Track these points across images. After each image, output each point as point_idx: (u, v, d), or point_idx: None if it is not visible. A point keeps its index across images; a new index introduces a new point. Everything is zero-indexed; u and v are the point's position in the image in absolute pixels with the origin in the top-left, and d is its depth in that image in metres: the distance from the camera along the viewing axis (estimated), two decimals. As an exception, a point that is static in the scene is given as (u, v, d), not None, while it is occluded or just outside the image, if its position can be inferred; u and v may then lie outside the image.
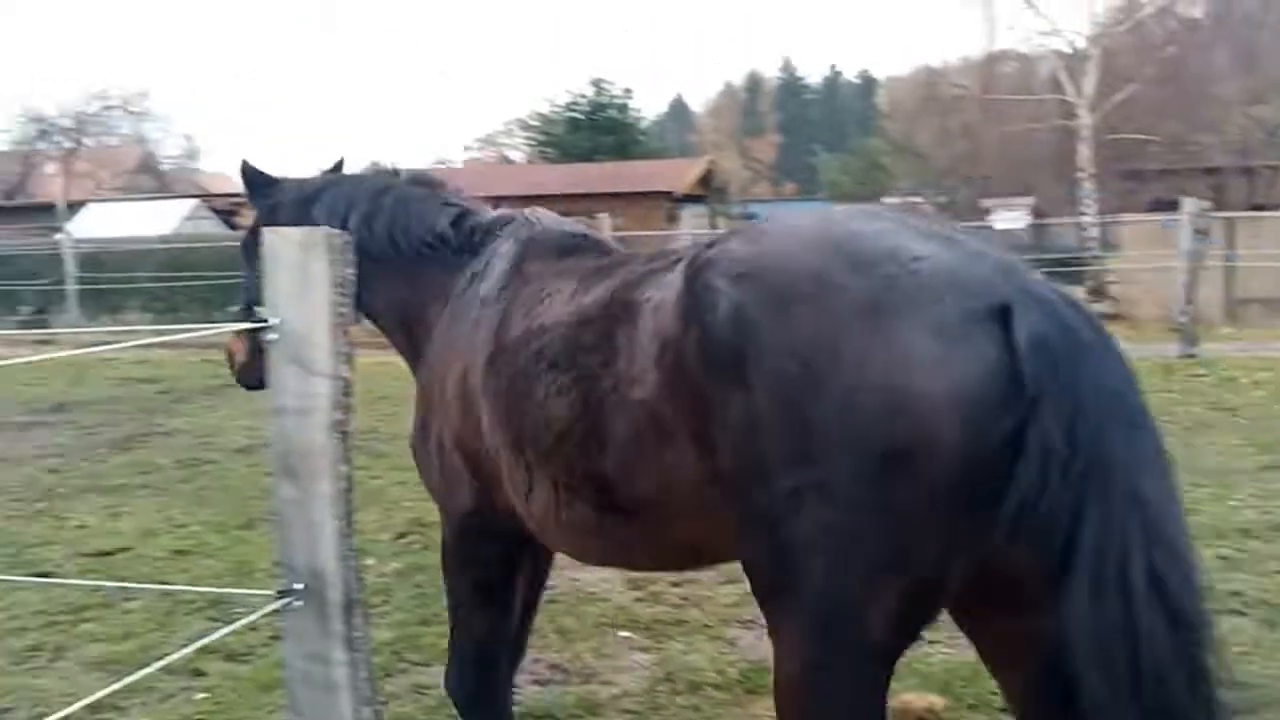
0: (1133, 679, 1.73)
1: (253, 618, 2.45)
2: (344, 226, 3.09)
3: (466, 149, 59.60)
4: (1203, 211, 12.41)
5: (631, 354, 2.18)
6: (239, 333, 3.56)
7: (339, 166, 4.00)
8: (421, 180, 3.59)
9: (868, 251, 1.98)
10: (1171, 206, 17.42)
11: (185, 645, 4.46)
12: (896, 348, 1.86)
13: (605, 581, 5.16)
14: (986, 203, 32.94)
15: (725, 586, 5.01)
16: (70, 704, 3.92)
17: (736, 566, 4.98)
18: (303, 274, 2.26)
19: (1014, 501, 1.80)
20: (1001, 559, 1.91)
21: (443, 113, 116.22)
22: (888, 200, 27.96)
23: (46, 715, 3.87)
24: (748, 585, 4.80)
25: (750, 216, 33.69)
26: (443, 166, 41.92)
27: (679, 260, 2.32)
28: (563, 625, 4.60)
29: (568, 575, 5.24)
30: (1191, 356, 11.87)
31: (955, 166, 35.40)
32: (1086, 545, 1.78)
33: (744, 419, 2.01)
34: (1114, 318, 16.68)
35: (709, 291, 2.09)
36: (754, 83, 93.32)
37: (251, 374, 3.47)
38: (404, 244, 3.30)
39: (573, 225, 2.87)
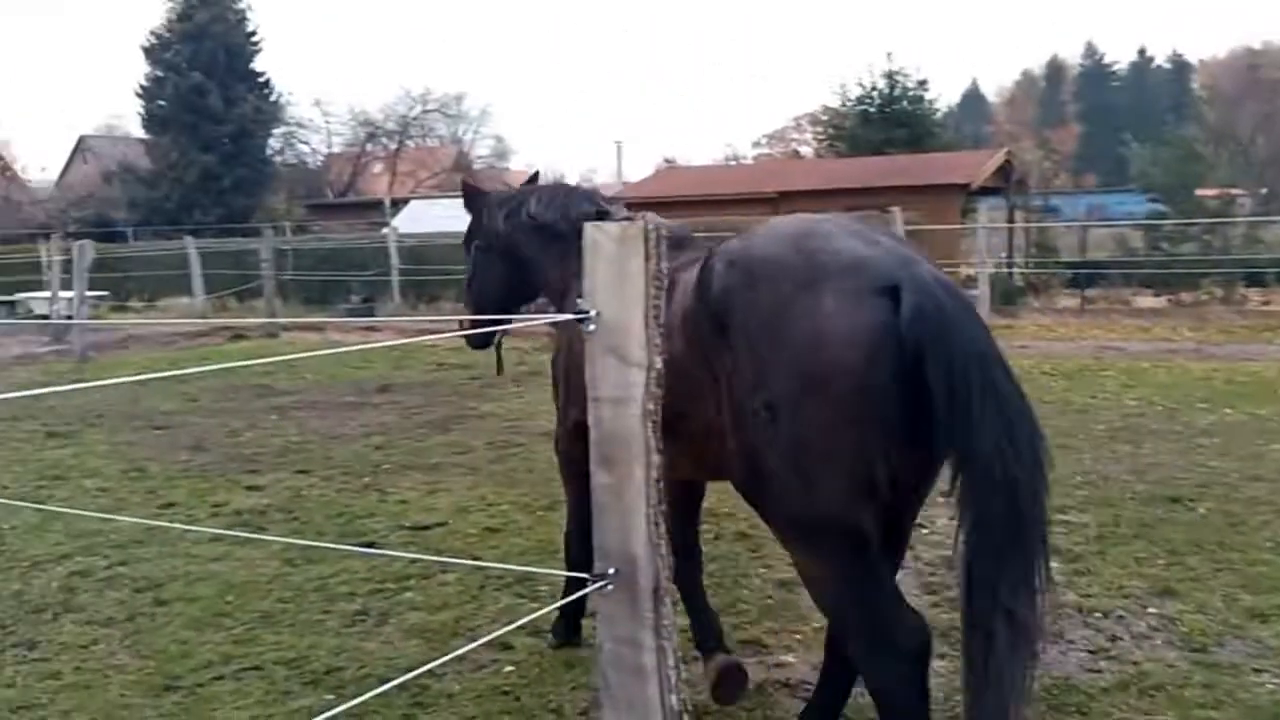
0: (1007, 502, 2.73)
1: (566, 600, 2.52)
2: (526, 216, 4.41)
3: (755, 145, 59.93)
4: None
5: (669, 320, 2.62)
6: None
7: (534, 178, 5.09)
8: (584, 191, 4.72)
9: (810, 247, 2.82)
10: None
11: (494, 619, 4.74)
12: (820, 308, 2.69)
13: (901, 585, 5.01)
14: (1320, 194, 29.53)
15: (1028, 599, 4.75)
16: (392, 668, 4.26)
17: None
18: (620, 267, 2.32)
19: (928, 414, 2.62)
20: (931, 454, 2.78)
21: (732, 109, 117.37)
22: (1203, 192, 25.60)
23: (370, 676, 4.22)
24: (1052, 597, 4.53)
25: (1051, 210, 31.81)
26: (733, 163, 42.37)
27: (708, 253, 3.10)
28: (855, 626, 4.50)
29: (859, 576, 5.14)
30: None
31: None
32: (975, 421, 2.62)
33: (730, 365, 2.85)
34: None
35: (710, 274, 2.95)
36: (1055, 69, 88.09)
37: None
38: (564, 227, 4.21)
39: (675, 226, 3.38)
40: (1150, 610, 4.59)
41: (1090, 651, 4.21)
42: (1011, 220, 24.60)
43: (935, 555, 5.41)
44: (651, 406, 2.30)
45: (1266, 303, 18.63)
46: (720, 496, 6.58)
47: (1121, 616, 4.54)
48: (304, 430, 9.58)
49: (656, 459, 2.30)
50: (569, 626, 4.47)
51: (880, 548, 2.94)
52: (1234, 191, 26.71)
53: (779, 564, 5.35)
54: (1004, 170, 24.64)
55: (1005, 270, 21.81)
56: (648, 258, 2.28)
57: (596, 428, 2.35)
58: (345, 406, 10.83)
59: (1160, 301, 19.69)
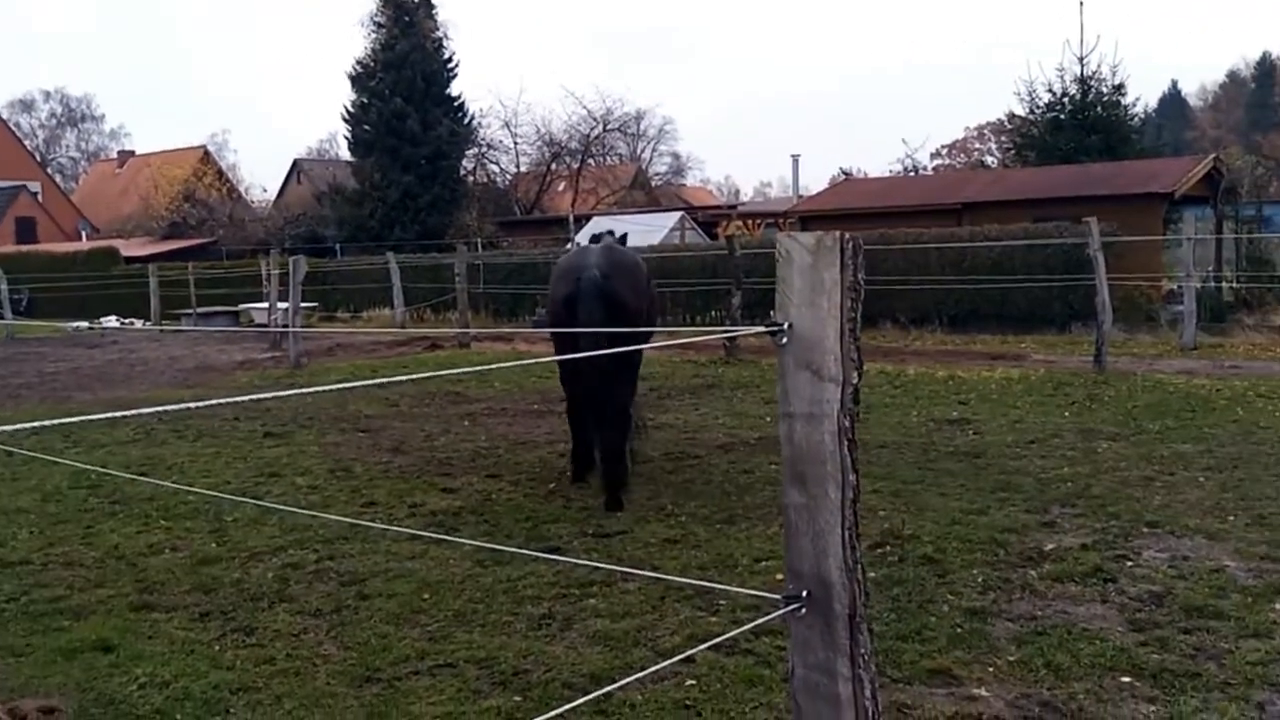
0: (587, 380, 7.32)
1: (760, 621, 2.42)
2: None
3: (935, 156, 58.27)
4: None
5: None
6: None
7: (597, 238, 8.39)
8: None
9: (564, 262, 8.01)
10: None
11: (675, 630, 4.68)
12: (557, 287, 7.46)
13: (1102, 620, 4.69)
14: None
15: (1249, 640, 4.34)
16: (576, 673, 4.25)
17: (1261, 619, 4.31)
18: (814, 278, 2.21)
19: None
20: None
21: (911, 119, 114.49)
22: None
23: (556, 680, 4.22)
24: (1276, 642, 4.14)
25: (1264, 220, 29.61)
26: (913, 175, 41.27)
27: None
28: (1054, 661, 4.22)
29: (1057, 608, 4.84)
30: None
31: None
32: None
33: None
34: None
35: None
36: (1265, 68, 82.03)
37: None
38: None
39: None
40: (1395, 659, 4.11)
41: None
42: (1220, 231, 23.00)
43: (1141, 590, 5.03)
44: (847, 423, 2.18)
45: None
46: (904, 518, 6.35)
47: (1362, 665, 4.08)
48: (493, 436, 9.81)
49: (853, 479, 2.17)
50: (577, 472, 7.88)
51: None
52: None
53: (968, 591, 5.09)
54: (1210, 178, 23.06)
55: (1213, 284, 20.41)
56: (844, 268, 2.17)
57: (789, 444, 2.25)
58: (532, 414, 11.04)
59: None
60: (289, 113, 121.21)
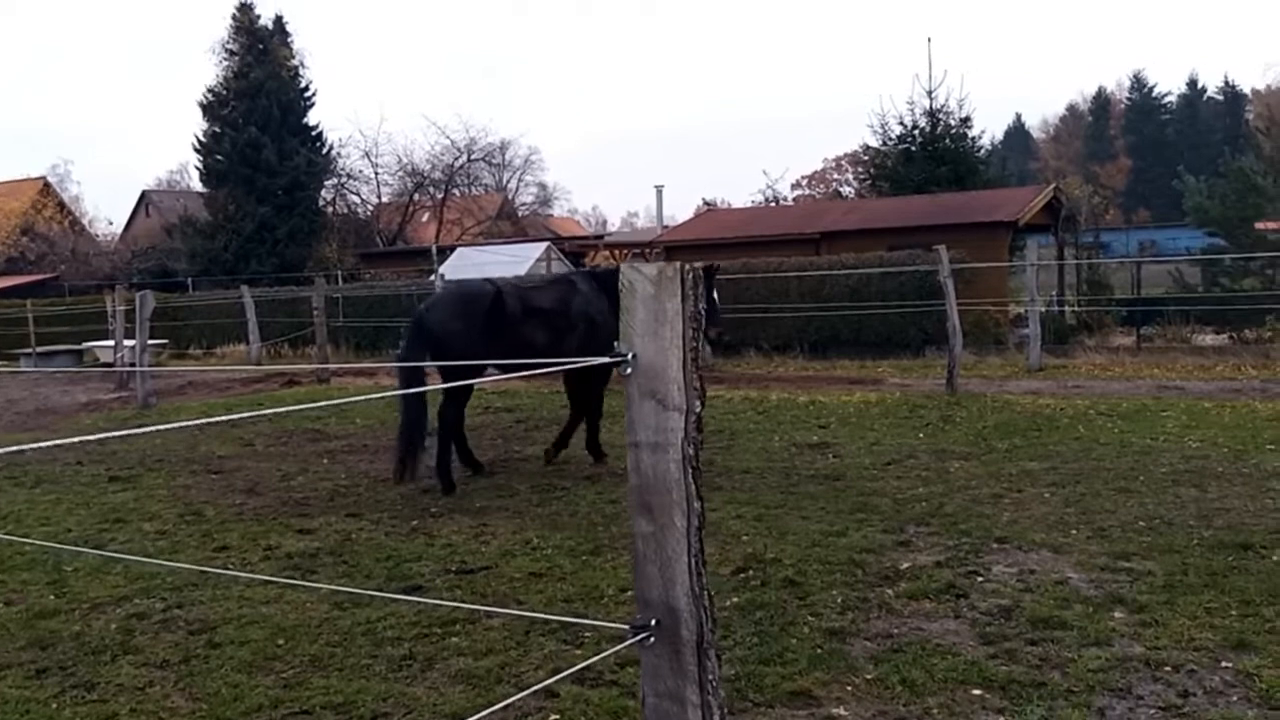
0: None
1: (609, 652, 2.42)
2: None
3: (795, 187, 59.89)
4: None
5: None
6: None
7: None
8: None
9: (464, 287, 9.71)
10: None
11: (539, 665, 4.65)
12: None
13: (954, 635, 4.85)
14: (1388, 225, 28.85)
15: (1091, 649, 4.56)
16: (437, 714, 4.18)
17: (1101, 628, 4.54)
18: (657, 308, 2.25)
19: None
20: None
21: (771, 151, 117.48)
22: (1263, 225, 24.96)
23: (417, 722, 4.13)
24: (1117, 649, 4.36)
25: (1102, 246, 31.31)
26: (773, 205, 42.32)
27: None
28: (910, 677, 4.34)
29: (912, 625, 4.98)
30: None
31: (1348, 185, 31.25)
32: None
33: None
34: None
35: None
36: (1101, 103, 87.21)
37: None
38: None
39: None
40: (1224, 664, 4.35)
41: (1161, 708, 3.99)
42: (1061, 257, 24.26)
43: (991, 604, 5.23)
44: (691, 451, 2.21)
45: (1338, 339, 18.05)
46: (767, 542, 6.47)
47: (1193, 670, 4.31)
48: (353, 474, 9.59)
49: (698, 506, 2.21)
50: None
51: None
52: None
53: (828, 612, 5.20)
54: (1052, 207, 24.34)
55: (1056, 308, 21.47)
56: (685, 298, 2.21)
57: (636, 474, 2.27)
58: (394, 450, 10.82)
59: (1221, 339, 19.21)
60: (136, 143, 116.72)
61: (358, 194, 49.84)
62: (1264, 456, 8.59)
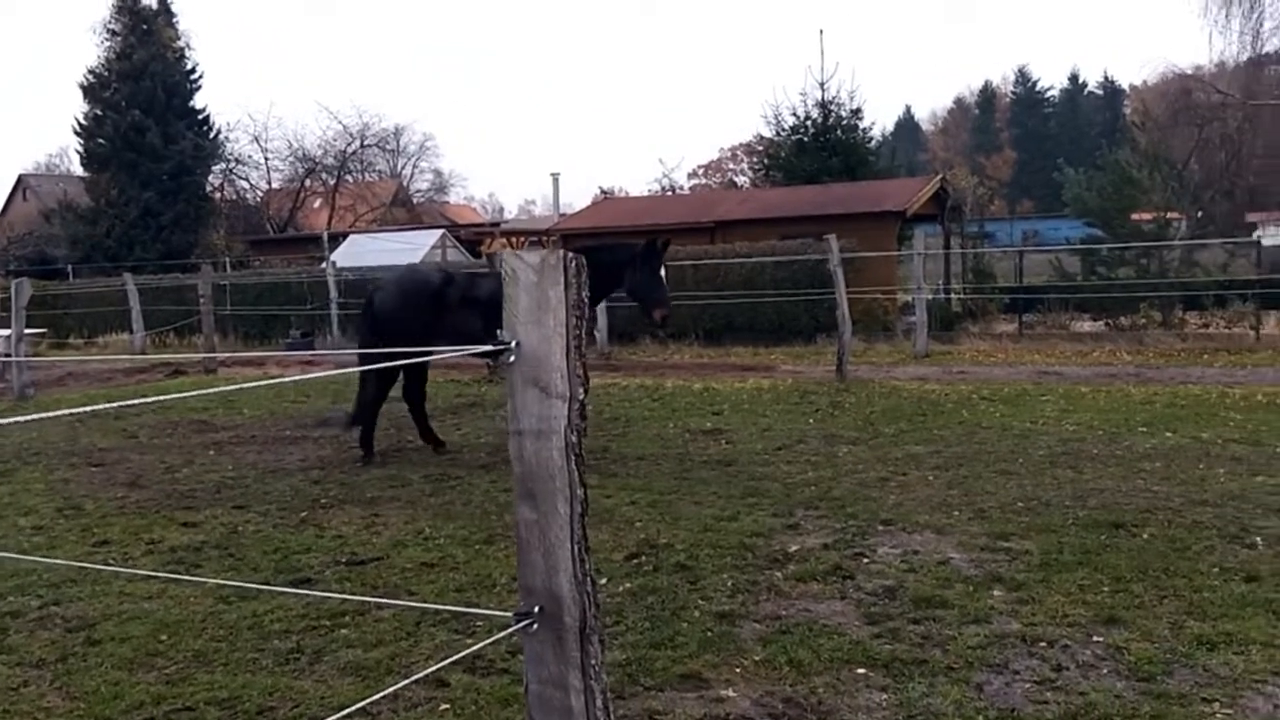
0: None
1: (492, 639, 2.41)
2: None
3: (691, 176, 60.30)
4: None
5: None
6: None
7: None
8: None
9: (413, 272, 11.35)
10: None
11: (430, 655, 4.60)
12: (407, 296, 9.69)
13: (840, 615, 4.96)
14: (1252, 217, 30.32)
15: (970, 626, 4.70)
16: (325, 707, 4.10)
17: (981, 606, 4.69)
18: (540, 296, 2.24)
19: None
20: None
21: (668, 139, 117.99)
22: (1138, 216, 26.01)
23: (304, 716, 4.06)
24: (995, 626, 4.50)
25: (987, 236, 32.25)
26: (669, 194, 42.55)
27: None
28: (797, 658, 4.42)
29: (800, 607, 5.07)
30: None
31: (1214, 180, 32.82)
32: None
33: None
34: None
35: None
36: (987, 96, 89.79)
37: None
38: None
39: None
40: (1096, 639, 4.54)
41: (1036, 682, 4.14)
42: (948, 247, 24.93)
43: (876, 585, 5.36)
44: (575, 439, 2.21)
45: (1205, 325, 18.94)
46: (660, 528, 6.51)
47: (1067, 645, 4.48)
48: (241, 465, 9.34)
49: (581, 493, 2.21)
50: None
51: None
52: (1169, 215, 27.27)
53: (718, 595, 5.26)
54: (939, 197, 24.98)
55: (942, 296, 22.06)
56: (568, 286, 2.21)
57: (519, 462, 2.26)
58: (283, 441, 10.60)
59: (1098, 326, 19.99)
60: (12, 126, 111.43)
61: (247, 179, 48.60)
62: (1136, 439, 8.96)
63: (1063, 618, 4.78)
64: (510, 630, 2.22)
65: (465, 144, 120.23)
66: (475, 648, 2.87)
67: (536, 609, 2.19)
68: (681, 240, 22.08)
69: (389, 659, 4.61)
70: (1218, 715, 3.78)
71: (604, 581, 5.45)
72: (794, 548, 6.05)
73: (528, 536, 2.23)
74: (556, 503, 2.18)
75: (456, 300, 9.36)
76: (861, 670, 4.31)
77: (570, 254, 2.25)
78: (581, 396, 2.21)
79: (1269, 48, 23.87)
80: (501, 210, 76.01)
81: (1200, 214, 31.17)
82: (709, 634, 4.76)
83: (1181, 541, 5.85)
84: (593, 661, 2.18)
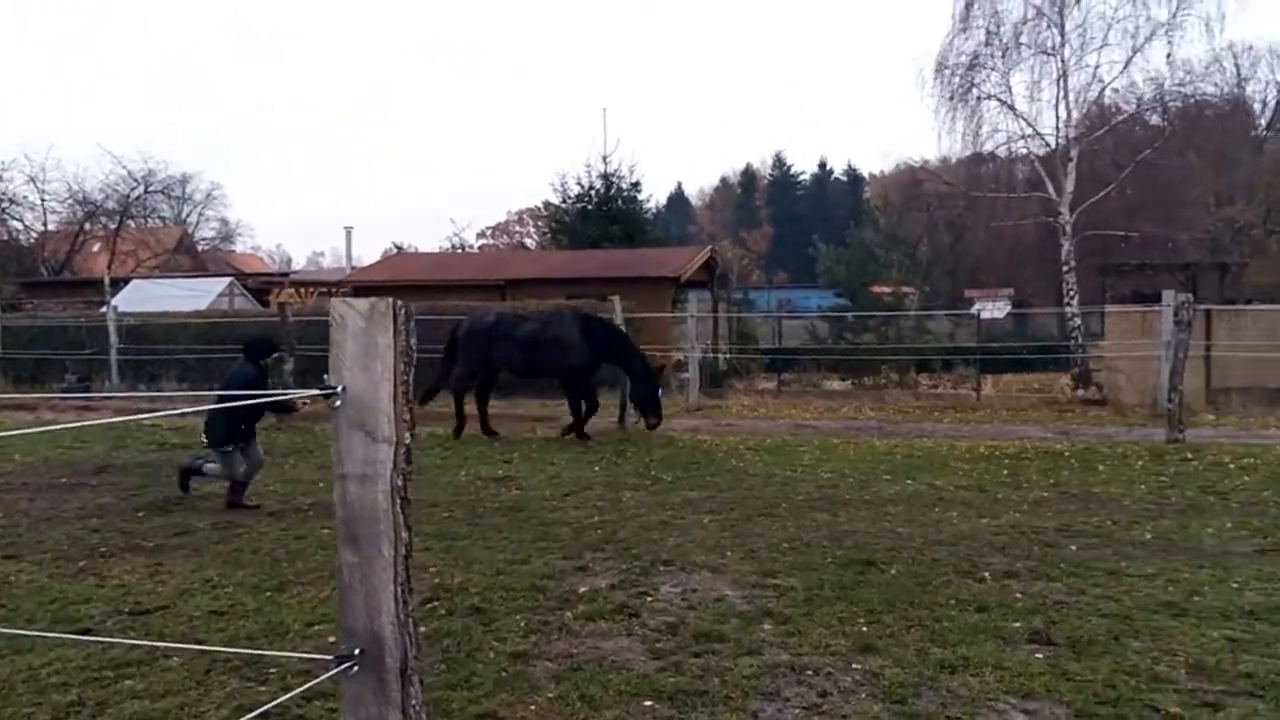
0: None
1: (312, 683, 2.31)
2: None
3: (481, 236, 60.12)
4: (1185, 304, 12.38)
5: None
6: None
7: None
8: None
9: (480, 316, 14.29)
10: (1149, 299, 17.41)
11: (221, 704, 4.32)
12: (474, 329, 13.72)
13: (628, 651, 5.00)
14: (970, 293, 33.00)
15: (745, 658, 4.85)
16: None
17: (754, 639, 4.84)
18: (368, 342, 2.20)
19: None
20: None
21: (459, 201, 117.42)
22: (879, 289, 27.96)
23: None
24: (767, 656, 4.65)
25: (749, 302, 33.73)
26: (459, 252, 42.25)
27: None
28: (588, 693, 4.43)
29: (590, 644, 5.09)
30: (1179, 441, 11.76)
31: (941, 258, 35.63)
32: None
33: None
34: (1100, 403, 16.58)
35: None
36: (748, 177, 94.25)
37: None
38: None
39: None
40: (855, 666, 4.77)
41: (804, 707, 4.31)
42: (716, 311, 25.88)
43: (660, 621, 5.45)
44: (400, 483, 2.17)
45: (935, 386, 20.53)
46: (454, 572, 6.39)
47: (830, 673, 4.69)
48: (12, 513, 8.51)
49: (405, 536, 2.16)
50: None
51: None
52: (904, 289, 29.43)
53: (512, 636, 5.21)
54: (709, 266, 25.98)
55: (711, 355, 22.86)
56: (396, 333, 2.18)
57: (343, 505, 2.19)
58: (59, 488, 9.73)
59: (846, 384, 21.21)
60: None
61: (21, 220, 44.70)
62: (882, 485, 9.54)
63: (825, 648, 5.00)
64: (331, 673, 2.13)
65: (253, 194, 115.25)
66: (292, 694, 2.72)
67: (358, 651, 2.12)
68: (473, 297, 22.00)
69: (178, 708, 4.29)
70: (960, 730, 4.05)
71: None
72: (583, 588, 6.07)
73: (350, 580, 2.16)
74: (381, 545, 2.13)
75: (502, 336, 13.34)
76: (649, 702, 4.36)
77: (399, 304, 2.22)
78: (408, 441, 2.18)
79: (987, 147, 26.21)
80: (289, 261, 73.09)
81: (929, 289, 33.75)
82: (504, 674, 4.70)
83: (924, 577, 6.25)
84: (413, 702, 2.13)
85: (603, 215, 31.17)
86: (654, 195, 76.68)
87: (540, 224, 45.08)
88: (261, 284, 35.66)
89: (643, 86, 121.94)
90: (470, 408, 13.59)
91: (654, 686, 4.51)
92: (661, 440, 12.77)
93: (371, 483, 2.15)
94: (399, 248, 45.42)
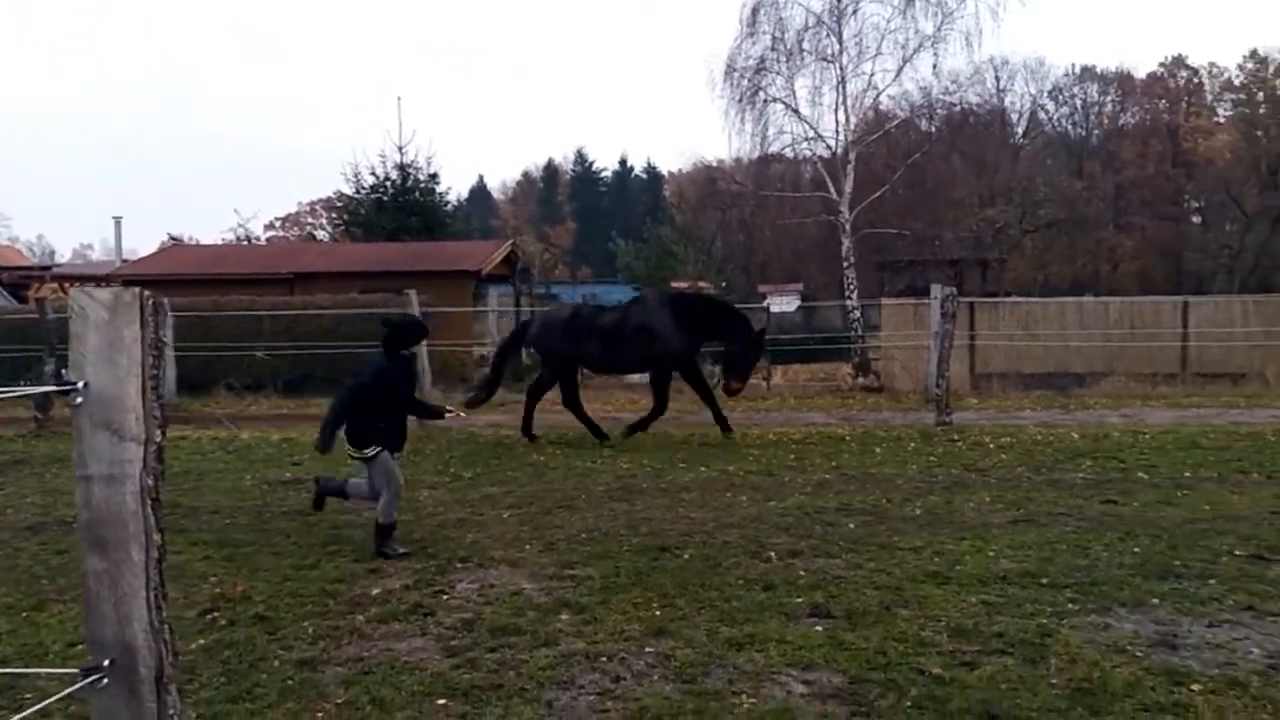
0: None
1: (53, 699, 2.13)
2: None
3: (269, 227, 57.53)
4: (950, 297, 13.26)
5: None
6: None
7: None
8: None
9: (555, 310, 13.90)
10: (921, 293, 18.58)
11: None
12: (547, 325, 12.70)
13: (422, 651, 4.90)
14: (762, 288, 34.34)
15: (542, 650, 4.84)
16: None
17: (550, 630, 4.85)
18: (112, 335, 2.05)
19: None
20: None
21: (242, 192, 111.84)
22: (676, 284, 28.61)
23: None
24: (563, 646, 4.67)
25: (553, 297, 33.79)
26: (245, 244, 40.29)
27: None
28: (380, 696, 4.31)
29: (382, 647, 4.96)
30: (946, 424, 12.59)
31: (734, 255, 36.86)
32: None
33: None
34: (878, 390, 17.55)
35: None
36: (551, 172, 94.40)
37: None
38: None
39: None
40: (648, 650, 4.85)
41: (599, 693, 4.35)
42: (518, 305, 25.77)
43: (456, 619, 5.37)
44: (151, 483, 2.03)
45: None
46: (236, 581, 6.09)
47: (624, 658, 4.75)
48: None
49: (158, 539, 2.03)
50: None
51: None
52: (700, 283, 30.22)
53: (299, 644, 5.01)
54: (510, 260, 25.83)
55: (514, 350, 22.73)
56: (144, 325, 2.04)
57: (87, 509, 2.04)
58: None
59: (643, 377, 21.46)
60: None
61: None
62: (678, 473, 9.75)
63: (620, 634, 5.06)
64: (77, 686, 1.97)
65: (9, 183, 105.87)
66: (23, 714, 2.51)
67: (107, 662, 1.97)
68: (259, 291, 21.01)
69: (-87, 745, 3.89)
70: (745, 704, 4.19)
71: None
72: (376, 590, 5.91)
73: (97, 588, 2.00)
74: (130, 549, 1.99)
75: (583, 330, 12.30)
76: (442, 700, 4.29)
77: (147, 294, 2.08)
78: (159, 439, 2.04)
79: (774, 148, 27.30)
80: (53, 254, 67.69)
81: (725, 283, 34.83)
82: (290, 682, 4.51)
83: (715, 559, 6.44)
84: (171, 711, 2.00)
85: (399, 207, 30.41)
86: (454, 188, 75.54)
87: (333, 215, 43.48)
88: (19, 278, 32.90)
89: (441, 76, 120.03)
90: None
91: (448, 684, 4.45)
92: (462, 437, 12.59)
93: (119, 484, 2.01)
94: (175, 239, 42.84)
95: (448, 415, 7.97)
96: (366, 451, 6.85)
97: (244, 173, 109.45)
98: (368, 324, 18.75)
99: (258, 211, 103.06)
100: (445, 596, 5.80)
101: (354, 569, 6.40)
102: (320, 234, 48.74)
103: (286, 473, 10.18)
